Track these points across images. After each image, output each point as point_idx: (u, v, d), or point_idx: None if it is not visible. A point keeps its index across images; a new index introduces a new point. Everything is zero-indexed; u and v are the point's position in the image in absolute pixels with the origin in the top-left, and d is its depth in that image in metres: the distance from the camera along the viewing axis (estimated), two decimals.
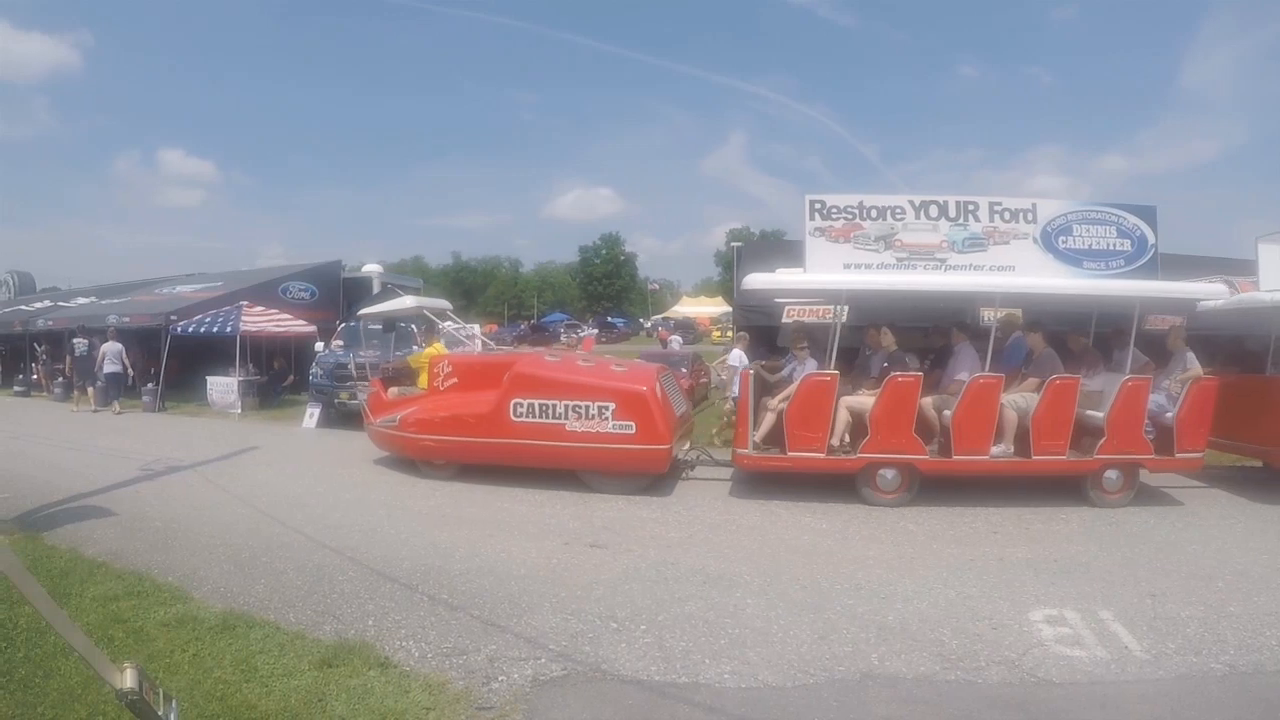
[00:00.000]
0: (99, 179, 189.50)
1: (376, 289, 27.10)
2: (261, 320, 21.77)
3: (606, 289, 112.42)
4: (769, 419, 10.65)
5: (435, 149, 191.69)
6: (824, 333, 11.13)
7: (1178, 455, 10.24)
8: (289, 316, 23.21)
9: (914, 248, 10.73)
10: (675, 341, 30.65)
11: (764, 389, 11.15)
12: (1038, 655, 5.47)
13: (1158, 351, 11.19)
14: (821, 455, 10.16)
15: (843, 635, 5.81)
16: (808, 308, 15.38)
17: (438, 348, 13.54)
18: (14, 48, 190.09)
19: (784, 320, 15.38)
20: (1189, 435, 10.27)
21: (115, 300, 27.66)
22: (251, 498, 10.11)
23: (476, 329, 23.51)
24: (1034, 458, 10.05)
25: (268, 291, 24.58)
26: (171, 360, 22.22)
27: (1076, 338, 11.72)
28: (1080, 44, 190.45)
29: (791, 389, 10.54)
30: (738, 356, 13.46)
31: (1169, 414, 10.36)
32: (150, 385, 21.49)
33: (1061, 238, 10.76)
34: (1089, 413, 10.28)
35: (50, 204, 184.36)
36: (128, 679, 1.64)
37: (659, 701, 4.83)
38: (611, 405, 10.62)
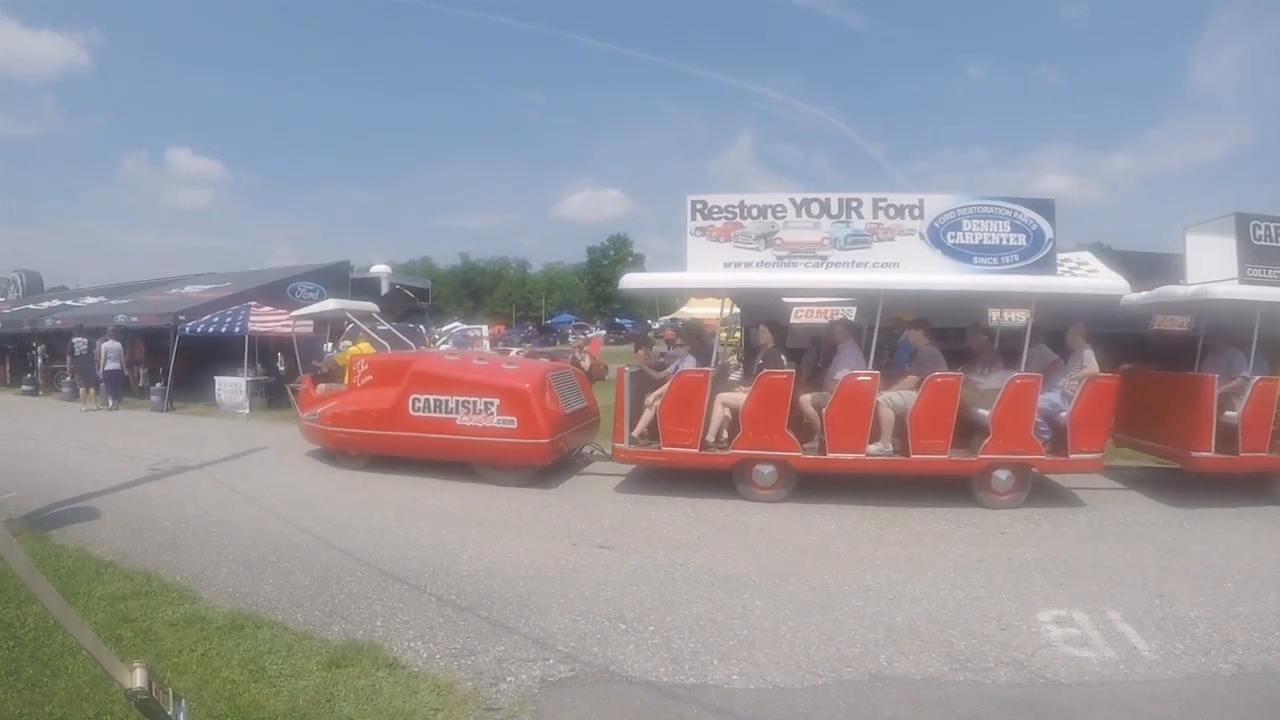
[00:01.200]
0: (107, 178, 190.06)
1: (385, 289, 27.15)
2: (270, 320, 21.80)
3: (614, 290, 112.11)
4: (647, 415, 10.91)
5: (444, 149, 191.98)
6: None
7: (1071, 456, 10.08)
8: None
9: (794, 245, 10.86)
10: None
11: (652, 385, 11.29)
12: (1046, 656, 5.46)
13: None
14: (694, 450, 10.40)
15: (851, 636, 5.80)
16: (817, 308, 15.37)
17: (361, 347, 14.54)
18: (23, 46, 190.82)
19: (792, 321, 15.36)
20: (1084, 435, 10.10)
21: (123, 300, 27.69)
22: (259, 498, 10.12)
23: (484, 329, 23.56)
24: (912, 456, 10.05)
25: (276, 292, 24.61)
26: (180, 360, 22.19)
27: (976, 335, 11.84)
28: (1088, 43, 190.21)
29: (666, 386, 10.79)
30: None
31: (1063, 413, 10.18)
32: (158, 385, 21.53)
33: (950, 233, 10.72)
34: (980, 411, 10.22)
35: (59, 203, 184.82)
36: (137, 678, 1.64)
37: (667, 703, 4.82)
38: (496, 401, 11.20)
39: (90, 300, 30.02)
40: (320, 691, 4.73)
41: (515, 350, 27.54)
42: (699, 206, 11.01)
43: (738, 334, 21.52)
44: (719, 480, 10.47)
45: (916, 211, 10.74)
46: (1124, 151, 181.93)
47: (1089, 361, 10.35)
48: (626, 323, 73.11)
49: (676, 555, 7.88)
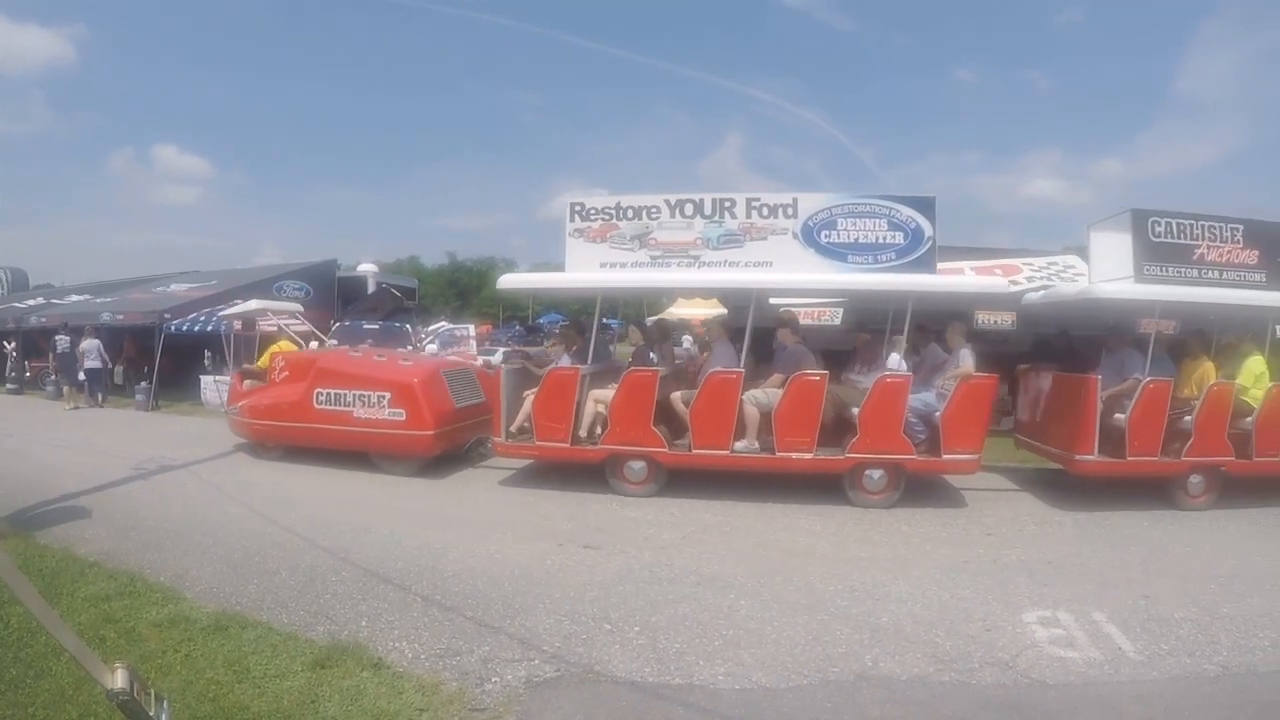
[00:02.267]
0: (95, 176, 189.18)
1: (371, 288, 27.06)
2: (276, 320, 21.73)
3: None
4: (524, 411, 11.20)
5: (434, 149, 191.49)
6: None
7: (945, 456, 10.08)
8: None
9: (668, 245, 11.05)
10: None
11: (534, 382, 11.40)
12: (1031, 656, 5.48)
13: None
14: (566, 445, 10.72)
15: (837, 637, 5.81)
16: (803, 309, 15.41)
17: (282, 345, 15.42)
18: (9, 40, 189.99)
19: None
20: (957, 435, 10.07)
21: (108, 298, 27.56)
22: (244, 497, 10.08)
23: (471, 329, 23.51)
24: (778, 454, 10.16)
25: (263, 290, 24.44)
26: (165, 359, 22.13)
27: (860, 334, 12.17)
28: (1078, 48, 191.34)
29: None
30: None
31: (938, 413, 10.18)
32: (143, 384, 21.43)
33: (824, 232, 10.80)
34: (854, 410, 10.27)
35: (45, 201, 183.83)
36: (119, 679, 1.63)
37: (653, 703, 4.82)
38: (388, 395, 11.92)
39: (75, 298, 29.86)
40: (305, 692, 4.71)
41: (501, 350, 27.49)
42: (577, 209, 11.34)
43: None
44: (710, 481, 10.49)
45: (790, 211, 10.87)
46: (1113, 156, 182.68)
47: (964, 361, 10.39)
48: (613, 323, 72.95)
49: (662, 555, 7.89)
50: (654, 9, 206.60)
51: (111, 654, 4.87)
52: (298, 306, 18.02)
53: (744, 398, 10.25)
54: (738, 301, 11.93)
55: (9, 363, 26.47)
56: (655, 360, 11.71)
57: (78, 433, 16.38)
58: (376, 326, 21.59)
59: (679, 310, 30.66)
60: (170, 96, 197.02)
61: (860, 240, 10.71)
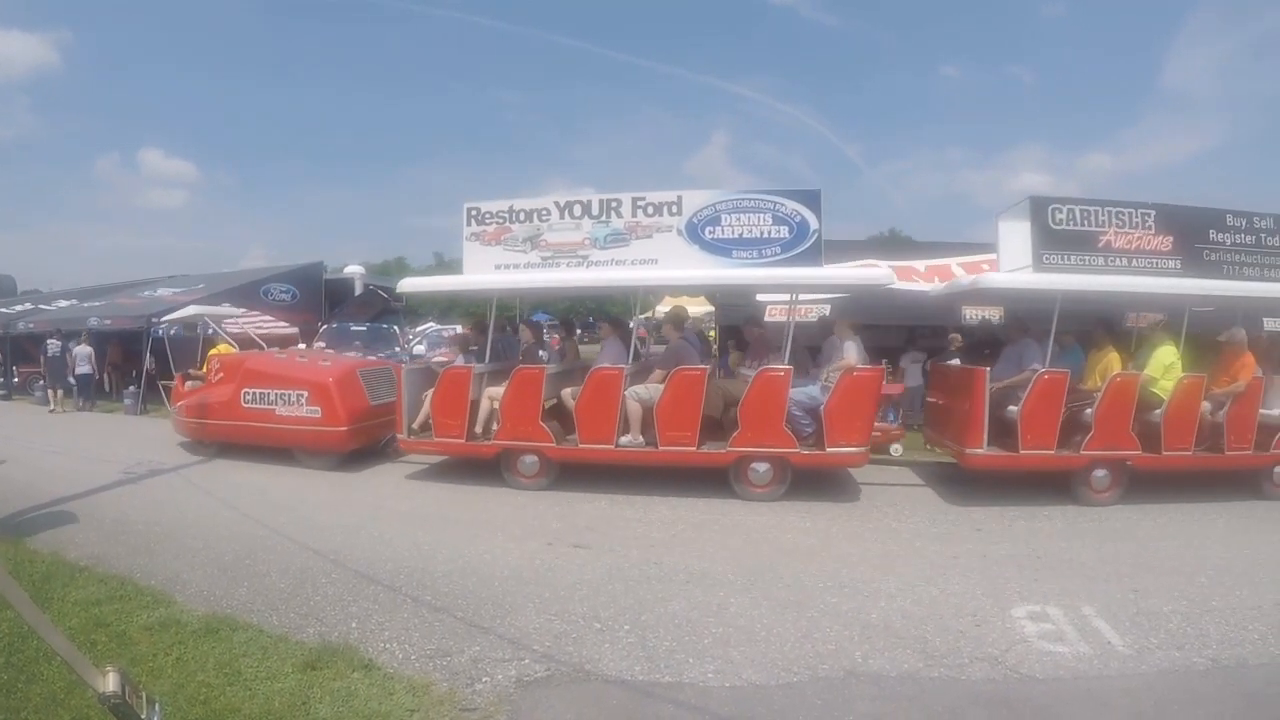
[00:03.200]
0: (81, 180, 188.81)
1: (359, 290, 27.03)
2: (242, 322, 21.69)
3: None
4: (425, 408, 11.63)
5: (420, 149, 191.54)
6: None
7: (829, 450, 10.18)
8: (270, 318, 23.13)
9: (558, 246, 11.43)
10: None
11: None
12: (1021, 651, 5.50)
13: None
14: (461, 441, 11.19)
15: (826, 633, 5.83)
16: (790, 307, 15.47)
17: (221, 348, 16.01)
18: None
19: (766, 319, 15.46)
20: (841, 428, 10.16)
21: (96, 303, 27.46)
22: (234, 500, 10.06)
23: (459, 329, 23.53)
24: (661, 448, 10.36)
25: (249, 293, 24.41)
26: (153, 363, 22.09)
27: (750, 328, 12.29)
28: (1063, 43, 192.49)
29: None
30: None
31: (823, 406, 10.27)
32: (131, 388, 21.38)
33: (708, 228, 10.98)
34: None
35: (31, 206, 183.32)
36: (110, 682, 1.64)
37: (643, 701, 4.83)
38: (305, 393, 12.64)
39: (63, 303, 29.74)
40: (296, 694, 4.71)
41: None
42: (473, 213, 11.74)
43: (712, 332, 21.57)
44: (699, 479, 10.52)
45: (675, 209, 11.09)
46: (1098, 151, 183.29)
47: (848, 353, 10.49)
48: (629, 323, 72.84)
49: (652, 554, 7.89)
50: (639, 9, 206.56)
51: (103, 658, 4.86)
52: (238, 311, 19.12)
53: (626, 393, 10.55)
54: (624, 299, 11.98)
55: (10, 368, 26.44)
56: (545, 358, 12.17)
57: (67, 437, 16.35)
58: (364, 328, 21.59)
59: (665, 308, 30.70)
60: (155, 101, 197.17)
61: (744, 235, 10.90)
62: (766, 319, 15.42)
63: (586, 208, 11.36)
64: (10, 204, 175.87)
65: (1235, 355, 10.52)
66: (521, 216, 11.55)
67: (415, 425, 11.70)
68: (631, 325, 12.62)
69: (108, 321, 23.19)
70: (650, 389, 10.62)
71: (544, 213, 11.48)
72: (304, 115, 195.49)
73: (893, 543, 8.38)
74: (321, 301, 26.63)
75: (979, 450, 10.06)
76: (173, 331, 20.80)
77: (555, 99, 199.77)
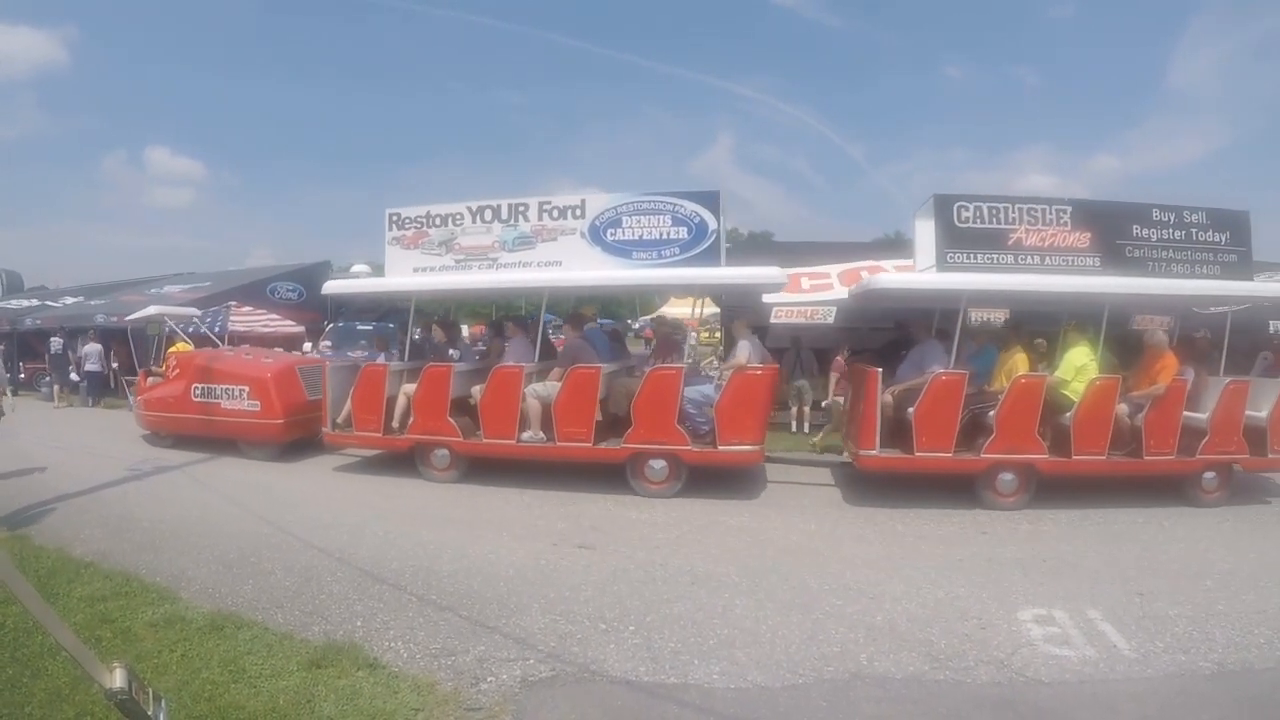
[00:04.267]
0: (87, 178, 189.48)
1: None
2: (249, 320, 21.74)
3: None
4: (348, 404, 12.19)
5: (424, 149, 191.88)
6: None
7: (720, 448, 10.38)
8: (277, 317, 23.17)
9: (470, 250, 11.85)
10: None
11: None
12: (1026, 654, 5.48)
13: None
14: (379, 434, 11.80)
15: (831, 635, 5.82)
16: (796, 308, 15.52)
17: (179, 347, 16.90)
18: (1, 42, 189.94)
19: (772, 321, 15.49)
20: (732, 427, 10.35)
21: (102, 300, 27.50)
22: (239, 498, 10.08)
23: (464, 329, 23.55)
24: (559, 444, 10.68)
25: (255, 292, 24.48)
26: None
27: (659, 328, 12.65)
28: (1068, 44, 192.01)
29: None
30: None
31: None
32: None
33: (610, 230, 11.27)
34: None
35: (38, 204, 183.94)
36: (117, 679, 1.63)
37: (648, 702, 4.83)
38: (246, 388, 13.49)
39: (69, 300, 29.80)
40: (301, 692, 4.71)
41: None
42: (394, 218, 12.25)
43: (718, 333, 21.61)
44: (698, 480, 10.51)
45: (578, 212, 11.44)
46: (1103, 152, 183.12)
47: (739, 353, 10.58)
48: (606, 322, 72.91)
49: (657, 555, 7.89)
50: (641, 9, 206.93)
51: (108, 654, 4.85)
52: (196, 311, 19.62)
53: (525, 391, 10.96)
54: (530, 300, 13.09)
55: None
56: (456, 356, 12.99)
57: (73, 433, 16.38)
58: (370, 327, 21.61)
59: (671, 310, 30.74)
60: (162, 99, 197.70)
61: (644, 237, 11.14)
62: (774, 320, 15.46)
63: (496, 212, 11.74)
64: (16, 201, 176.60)
65: (1156, 356, 10.28)
66: (437, 221, 12.01)
67: (340, 419, 12.27)
68: (638, 324, 12.97)
69: (113, 319, 23.25)
70: (548, 387, 11.03)
71: (458, 217, 11.90)
72: (309, 114, 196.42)
73: (897, 545, 8.37)
74: (327, 300, 26.65)
75: (871, 451, 10.12)
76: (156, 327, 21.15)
77: (556, 99, 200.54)
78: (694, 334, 12.33)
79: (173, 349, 16.80)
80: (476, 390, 11.44)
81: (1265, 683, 5.14)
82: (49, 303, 29.96)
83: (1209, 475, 10.22)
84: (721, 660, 5.38)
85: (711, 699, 4.86)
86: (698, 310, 12.94)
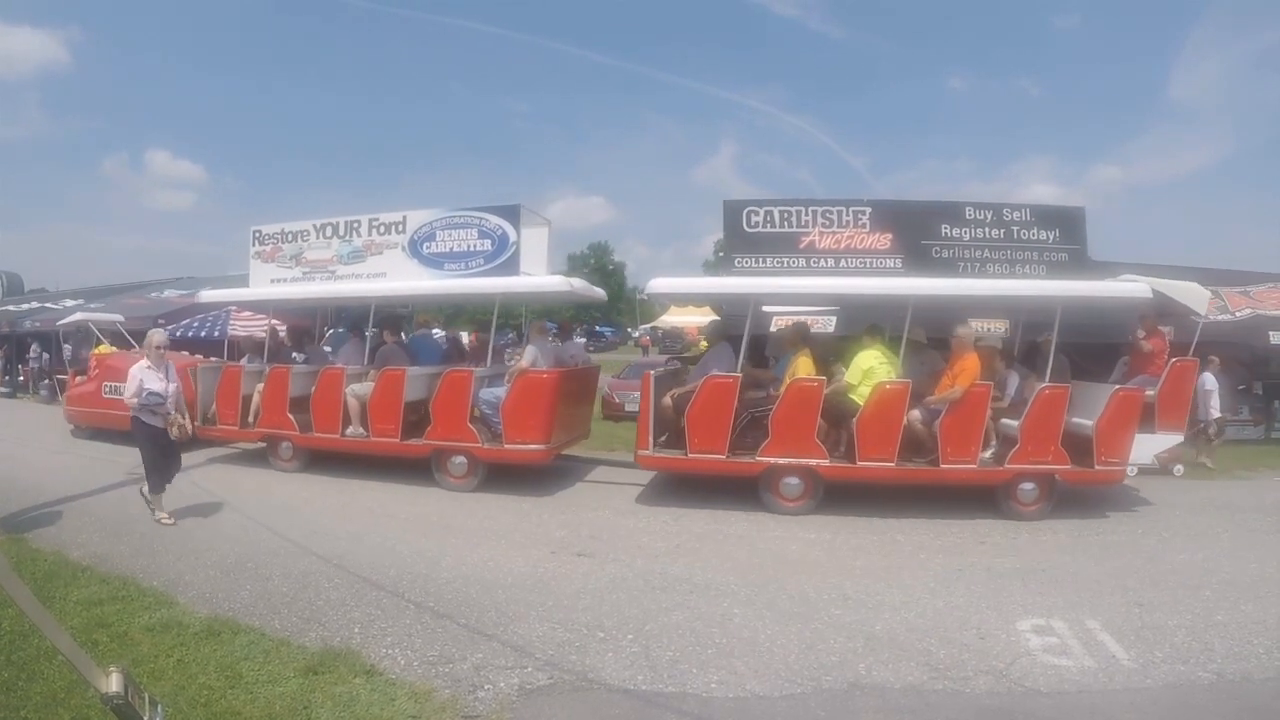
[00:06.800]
0: (88, 181, 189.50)
1: None
2: (249, 325, 21.73)
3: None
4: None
5: (425, 155, 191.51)
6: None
7: (506, 446, 11.07)
8: (278, 321, 23.15)
9: (314, 263, 12.97)
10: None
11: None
12: (1025, 665, 5.47)
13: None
14: (236, 428, 13.20)
15: (830, 645, 5.81)
16: (795, 317, 15.53)
17: (101, 349, 18.80)
18: (3, 42, 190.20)
19: (772, 329, 15.49)
20: (517, 427, 11.01)
21: (103, 303, 27.51)
22: (237, 503, 10.06)
23: (464, 336, 23.56)
24: (372, 439, 11.46)
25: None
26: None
27: (475, 333, 13.40)
28: (1072, 56, 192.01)
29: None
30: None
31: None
32: None
33: (426, 244, 12.15)
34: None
35: (41, 206, 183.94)
36: (113, 683, 1.62)
37: (646, 710, 4.81)
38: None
39: (70, 303, 29.81)
40: (297, 698, 4.70)
41: None
42: (257, 235, 13.43)
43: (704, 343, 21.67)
44: (703, 489, 10.53)
45: (400, 227, 12.36)
46: (1106, 162, 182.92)
47: (525, 356, 11.15)
48: (606, 330, 72.91)
49: (655, 563, 7.87)
50: (645, 17, 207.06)
51: (104, 658, 4.84)
52: (119, 317, 21.40)
53: (345, 391, 11.92)
54: (359, 308, 13.96)
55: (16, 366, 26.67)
56: (297, 359, 14.15)
57: (70, 437, 16.38)
58: (370, 333, 21.63)
59: (671, 318, 30.80)
60: (164, 102, 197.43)
61: (454, 249, 11.96)
62: (773, 330, 15.46)
63: (335, 229, 12.78)
64: (16, 203, 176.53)
65: (958, 357, 10.09)
66: (290, 237, 13.12)
67: (209, 415, 13.48)
68: (637, 332, 13.22)
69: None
70: (365, 387, 11.85)
71: (305, 234, 12.99)
72: (310, 118, 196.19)
73: (897, 555, 8.36)
74: (91, 313, 26.77)
75: (646, 451, 10.46)
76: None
77: (559, 106, 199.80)
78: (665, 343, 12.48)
79: (95, 350, 18.79)
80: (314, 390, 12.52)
81: (1264, 693, 5.14)
82: (49, 305, 29.99)
83: (1027, 486, 9.96)
84: (720, 669, 5.36)
85: (709, 708, 4.85)
86: (680, 319, 13.30)
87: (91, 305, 27.47)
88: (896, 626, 6.19)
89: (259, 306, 16.70)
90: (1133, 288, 10.01)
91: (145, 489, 9.22)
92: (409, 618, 6.25)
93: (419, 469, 11.69)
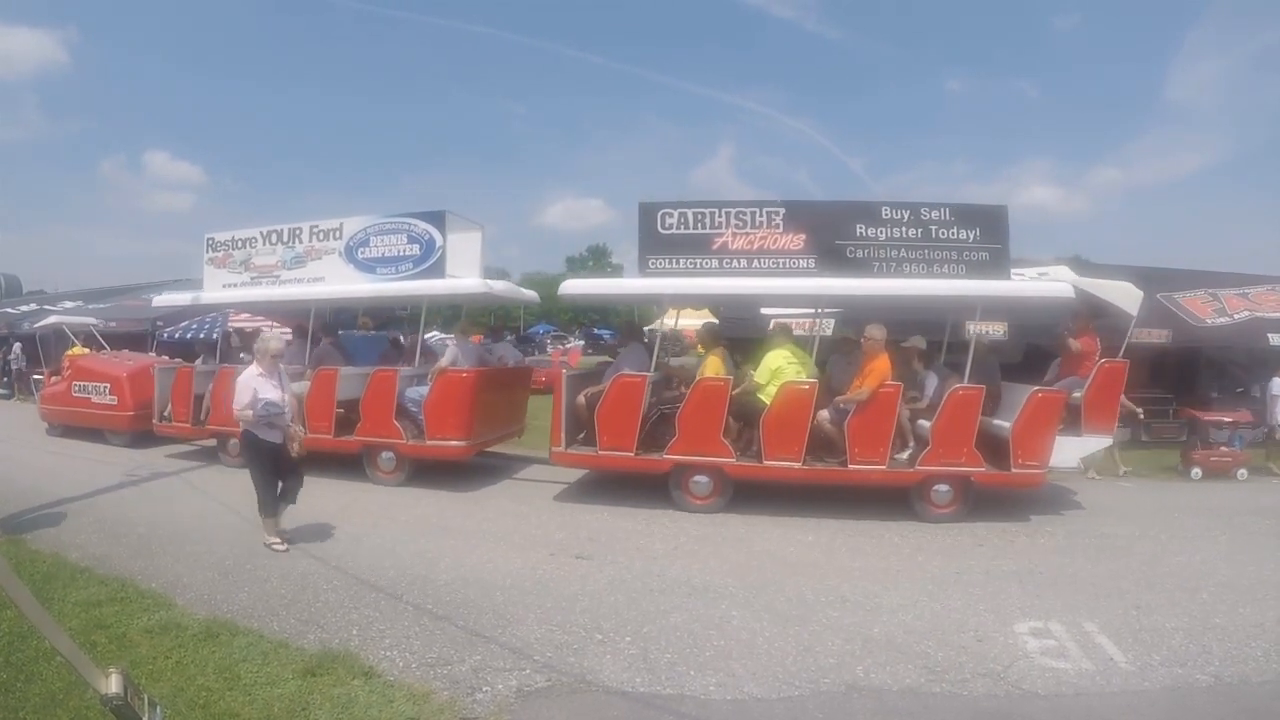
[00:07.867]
0: (86, 182, 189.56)
1: None
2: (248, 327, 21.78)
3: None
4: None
5: (426, 158, 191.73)
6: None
7: (428, 441, 11.65)
8: (275, 324, 23.16)
9: (261, 268, 13.43)
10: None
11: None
12: (1023, 667, 5.47)
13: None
14: (188, 426, 13.93)
15: (828, 647, 5.81)
16: (795, 319, 15.54)
17: (74, 350, 19.78)
18: (1, 43, 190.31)
19: (769, 331, 15.53)
20: (438, 424, 11.59)
21: (101, 305, 27.53)
22: (236, 504, 10.01)
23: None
24: (308, 435, 11.11)
25: None
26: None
27: (410, 336, 13.94)
28: (1070, 57, 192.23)
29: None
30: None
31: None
32: None
33: (361, 249, 12.59)
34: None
35: (36, 207, 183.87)
36: (113, 684, 1.63)
37: (644, 713, 4.82)
38: (107, 385, 15.99)
39: (68, 304, 29.82)
40: (295, 700, 4.70)
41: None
42: (210, 242, 13.91)
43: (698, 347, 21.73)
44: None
45: (338, 234, 12.79)
46: (1104, 164, 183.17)
47: (446, 356, 11.67)
48: (605, 333, 72.92)
49: (654, 566, 7.88)
50: (644, 20, 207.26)
51: (103, 660, 4.83)
52: (94, 320, 22.58)
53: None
54: (298, 311, 14.39)
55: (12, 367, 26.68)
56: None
57: (69, 437, 16.37)
58: (372, 335, 21.63)
59: (670, 321, 30.78)
60: (162, 102, 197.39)
61: (386, 254, 12.39)
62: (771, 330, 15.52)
63: (280, 235, 13.20)
64: (15, 205, 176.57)
65: (869, 358, 10.06)
66: (240, 244, 13.57)
67: (166, 413, 14.37)
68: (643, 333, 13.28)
69: (113, 324, 23.29)
70: (302, 385, 11.85)
71: (253, 241, 13.45)
72: (312, 121, 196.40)
73: (894, 557, 8.36)
74: (65, 315, 26.82)
75: (559, 448, 10.83)
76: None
77: (559, 108, 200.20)
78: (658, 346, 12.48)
79: (69, 352, 19.72)
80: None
81: (1262, 695, 5.14)
82: (47, 306, 29.99)
83: (941, 488, 9.95)
84: (718, 671, 5.36)
85: (707, 710, 4.85)
86: (674, 321, 13.52)
87: (90, 307, 27.53)
88: (894, 629, 6.19)
89: (207, 310, 18.88)
90: (1054, 287, 10.00)
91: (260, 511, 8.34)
92: (407, 620, 6.25)
93: (419, 470, 11.71)
